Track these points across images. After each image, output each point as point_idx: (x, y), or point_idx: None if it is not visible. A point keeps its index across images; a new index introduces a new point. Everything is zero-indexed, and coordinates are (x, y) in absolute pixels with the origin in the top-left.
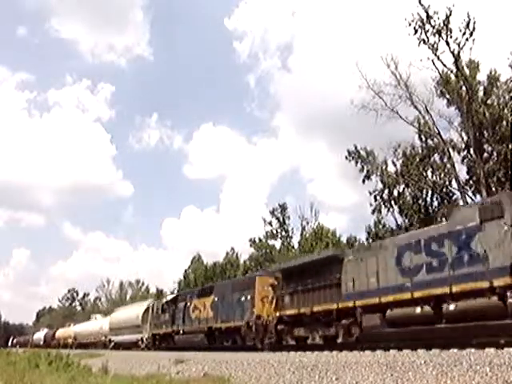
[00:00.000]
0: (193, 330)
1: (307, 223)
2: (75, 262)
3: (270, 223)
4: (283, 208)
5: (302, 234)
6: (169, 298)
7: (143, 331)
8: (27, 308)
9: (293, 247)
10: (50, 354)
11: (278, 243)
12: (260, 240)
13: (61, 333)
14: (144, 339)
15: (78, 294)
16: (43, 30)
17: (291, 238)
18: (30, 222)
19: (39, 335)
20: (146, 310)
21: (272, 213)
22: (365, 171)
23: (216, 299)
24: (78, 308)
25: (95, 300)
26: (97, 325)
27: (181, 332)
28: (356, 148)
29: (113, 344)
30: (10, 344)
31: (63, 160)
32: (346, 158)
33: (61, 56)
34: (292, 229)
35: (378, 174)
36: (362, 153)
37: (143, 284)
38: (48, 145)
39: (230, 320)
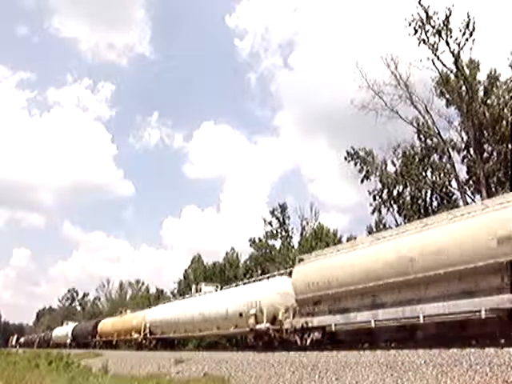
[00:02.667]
0: None
1: (307, 223)
2: (75, 262)
3: (270, 223)
4: (283, 208)
5: (301, 234)
6: None
7: None
8: (27, 308)
9: (293, 247)
10: (49, 354)
11: (278, 243)
12: (260, 240)
13: (109, 325)
14: None
15: (77, 294)
16: (43, 28)
17: (291, 237)
18: (30, 221)
19: (63, 331)
20: None
21: (272, 213)
22: (364, 171)
23: None
24: (78, 308)
25: (95, 300)
26: (220, 302)
27: None
28: (354, 150)
29: (316, 336)
30: (13, 343)
31: (63, 159)
32: (345, 158)
33: (61, 55)
34: (292, 229)
35: (378, 174)
36: (361, 153)
37: (143, 284)
38: (48, 144)
39: None
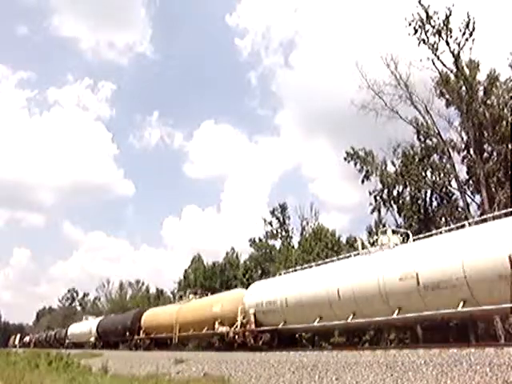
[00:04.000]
0: None
1: (307, 223)
2: (75, 262)
3: (271, 223)
4: (283, 208)
5: (301, 234)
6: None
7: None
8: (27, 308)
9: (293, 247)
10: (49, 354)
11: (278, 243)
12: (260, 240)
13: (164, 316)
14: None
15: (77, 294)
16: (43, 28)
17: (291, 238)
18: (30, 221)
19: (84, 328)
20: None
21: (272, 213)
22: (364, 172)
23: None
24: (78, 308)
25: (95, 300)
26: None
27: None
28: (354, 150)
29: None
30: (16, 343)
31: (63, 159)
32: (345, 159)
33: (61, 54)
34: (292, 229)
35: (378, 174)
36: (361, 154)
37: (143, 284)
38: (48, 144)
39: None
